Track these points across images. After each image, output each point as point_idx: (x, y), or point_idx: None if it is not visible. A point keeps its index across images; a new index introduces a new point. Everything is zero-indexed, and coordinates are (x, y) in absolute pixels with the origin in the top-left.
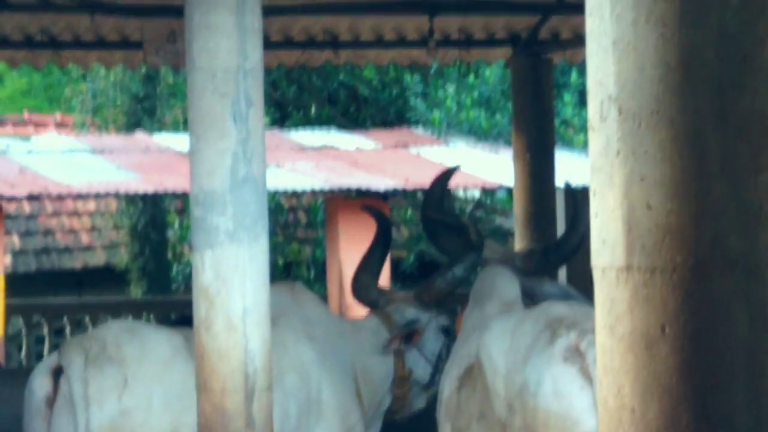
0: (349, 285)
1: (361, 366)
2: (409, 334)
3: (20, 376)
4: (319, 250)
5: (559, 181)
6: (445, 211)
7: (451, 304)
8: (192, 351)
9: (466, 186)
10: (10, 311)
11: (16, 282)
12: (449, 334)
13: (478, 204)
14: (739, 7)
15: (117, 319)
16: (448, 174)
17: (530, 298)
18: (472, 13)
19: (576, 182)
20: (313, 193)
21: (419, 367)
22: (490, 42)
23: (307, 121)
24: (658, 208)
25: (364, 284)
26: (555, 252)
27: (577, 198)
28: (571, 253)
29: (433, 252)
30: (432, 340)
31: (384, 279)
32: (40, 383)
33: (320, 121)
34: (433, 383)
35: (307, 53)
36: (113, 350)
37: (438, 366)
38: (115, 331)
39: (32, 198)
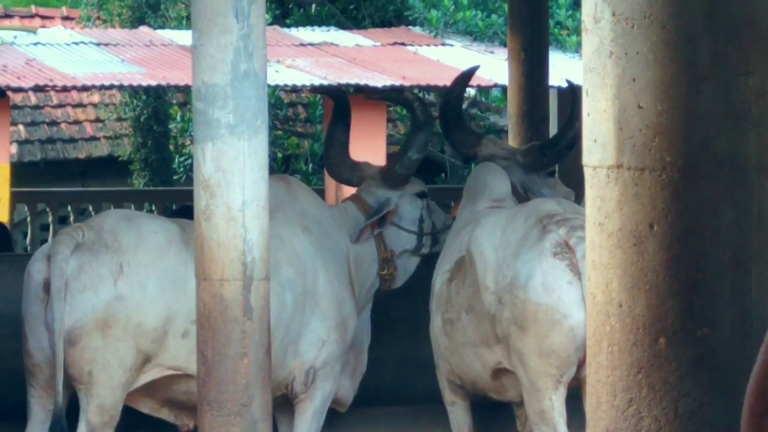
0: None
1: (353, 253)
2: (380, 219)
3: (25, 261)
4: (317, 145)
5: (553, 81)
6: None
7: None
8: (187, 240)
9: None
10: (15, 199)
11: (21, 171)
12: (425, 196)
13: (474, 102)
14: None
15: (115, 209)
16: (469, 73)
17: (530, 193)
18: None
19: (568, 84)
20: (312, 89)
21: (402, 240)
22: None
23: (308, 19)
24: (648, 109)
25: (335, 161)
26: (550, 148)
27: (577, 95)
28: (566, 150)
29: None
30: (408, 210)
31: None
32: (37, 268)
33: (320, 19)
34: (420, 245)
35: None
36: (109, 238)
37: (421, 228)
38: (111, 220)
39: (38, 89)
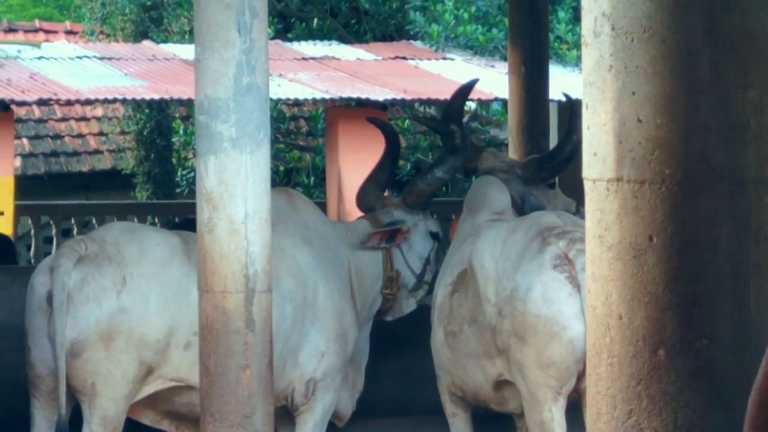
0: (346, 192)
1: (355, 267)
2: (391, 234)
3: (29, 274)
4: (319, 158)
5: (553, 95)
6: (441, 119)
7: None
8: (189, 252)
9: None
10: (19, 212)
11: (25, 184)
12: (438, 239)
13: (474, 115)
14: None
15: (118, 221)
16: (468, 86)
17: (529, 205)
18: None
19: (565, 99)
20: (314, 102)
21: (406, 269)
22: None
23: (309, 33)
24: (648, 122)
25: (367, 193)
26: (548, 162)
27: (575, 109)
28: (564, 163)
29: (430, 161)
30: (419, 243)
31: None
32: (40, 281)
33: (322, 33)
34: (419, 286)
35: None
36: (113, 250)
37: (425, 269)
38: (114, 232)
39: (42, 103)
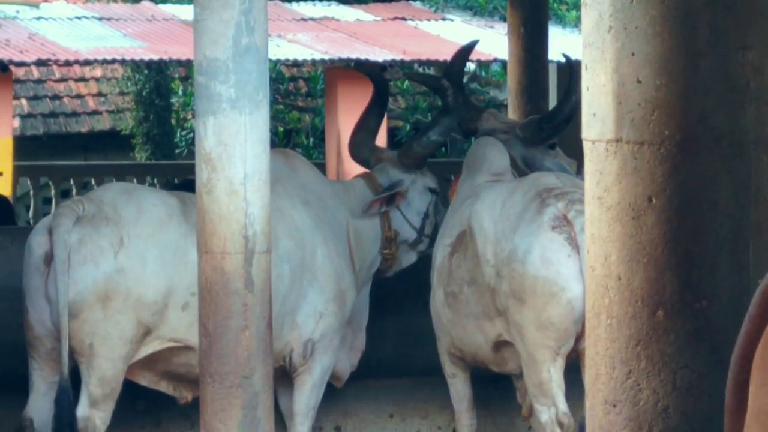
0: (345, 153)
1: (353, 228)
2: (391, 196)
3: (27, 234)
4: (318, 119)
5: (552, 56)
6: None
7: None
8: (187, 213)
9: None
10: (18, 173)
11: (24, 144)
12: (436, 193)
13: (474, 76)
14: None
15: (117, 182)
16: (468, 48)
17: (528, 167)
18: None
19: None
20: (314, 63)
21: (405, 227)
22: None
23: None
24: (647, 83)
25: (359, 142)
26: (548, 122)
27: (574, 70)
28: (564, 124)
29: (428, 122)
30: (417, 199)
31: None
32: (38, 241)
33: None
34: (420, 240)
35: None
36: (110, 211)
37: (424, 223)
38: (112, 193)
39: (40, 63)
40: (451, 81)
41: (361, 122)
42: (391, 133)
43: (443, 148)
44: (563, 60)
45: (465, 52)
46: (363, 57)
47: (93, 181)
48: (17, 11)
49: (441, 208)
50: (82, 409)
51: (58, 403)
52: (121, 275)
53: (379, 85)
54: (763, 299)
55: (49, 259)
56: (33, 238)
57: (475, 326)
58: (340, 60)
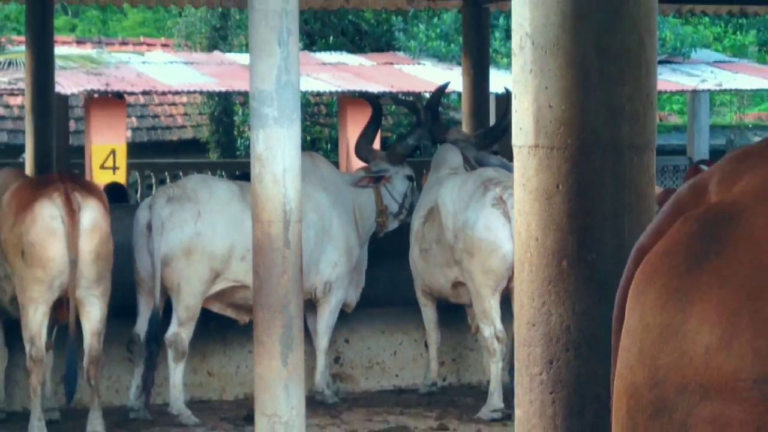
0: (352, 155)
1: (357, 204)
2: (377, 178)
3: (135, 210)
4: (333, 132)
5: (492, 89)
6: (414, 104)
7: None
8: (244, 195)
9: (432, 90)
10: (130, 168)
11: (134, 149)
12: (412, 180)
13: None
14: None
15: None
16: (443, 87)
17: (479, 164)
18: None
19: (504, 90)
20: (331, 93)
21: (392, 203)
22: None
23: (327, 47)
24: (556, 108)
25: (361, 146)
26: (491, 134)
27: (509, 98)
28: (501, 134)
29: None
30: (399, 183)
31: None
32: (143, 214)
33: (336, 46)
34: (401, 212)
35: (327, 1)
36: (191, 193)
37: (404, 201)
38: (192, 182)
39: (145, 93)
40: (430, 108)
41: (363, 133)
42: (383, 141)
43: (418, 151)
44: (501, 91)
45: (441, 90)
46: (364, 89)
47: (181, 174)
48: (129, 58)
49: (416, 191)
50: (172, 328)
51: (150, 322)
52: (199, 237)
53: (375, 108)
54: (636, 255)
55: (149, 226)
56: (139, 212)
57: (440, 272)
58: (349, 91)
